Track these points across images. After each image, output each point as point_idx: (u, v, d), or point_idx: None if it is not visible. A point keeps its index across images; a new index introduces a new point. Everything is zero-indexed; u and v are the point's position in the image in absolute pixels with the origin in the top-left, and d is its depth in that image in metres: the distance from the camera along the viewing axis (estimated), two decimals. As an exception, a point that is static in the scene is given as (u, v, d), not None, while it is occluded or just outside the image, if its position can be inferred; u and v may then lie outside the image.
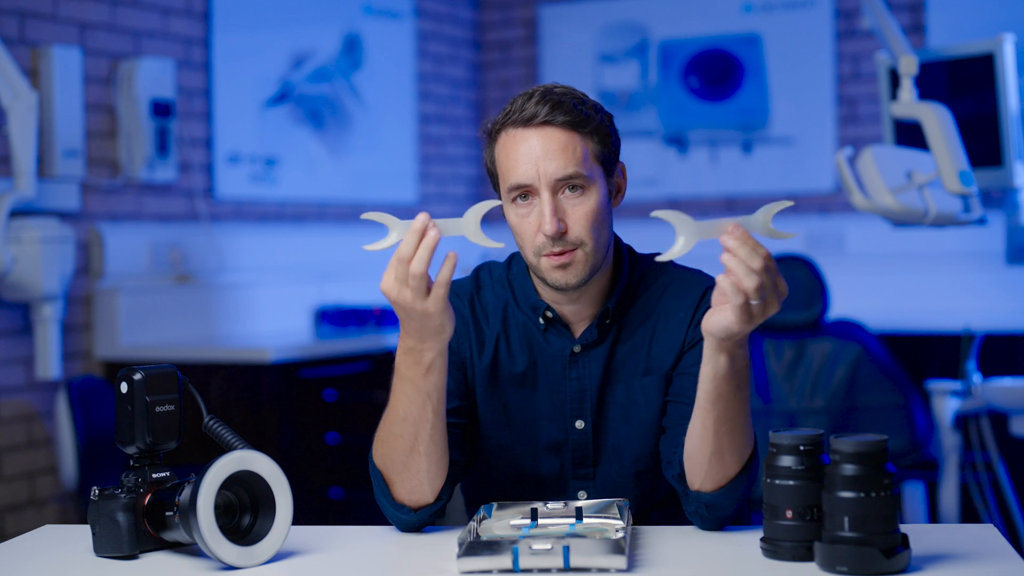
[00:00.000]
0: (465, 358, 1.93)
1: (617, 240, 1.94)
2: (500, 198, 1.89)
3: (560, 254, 1.81)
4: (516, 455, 1.93)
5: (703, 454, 1.74)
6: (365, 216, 1.72)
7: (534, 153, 1.81)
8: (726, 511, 1.77)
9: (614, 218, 1.88)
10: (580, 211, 1.82)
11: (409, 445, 1.77)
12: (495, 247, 1.73)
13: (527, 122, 1.81)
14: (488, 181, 1.93)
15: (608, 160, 1.87)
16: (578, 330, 1.93)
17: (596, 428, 1.92)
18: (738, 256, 1.59)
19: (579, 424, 1.92)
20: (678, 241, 1.65)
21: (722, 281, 1.59)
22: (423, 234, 1.66)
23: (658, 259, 1.69)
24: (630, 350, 1.91)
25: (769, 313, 1.61)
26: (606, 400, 1.92)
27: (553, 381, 1.93)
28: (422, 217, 1.67)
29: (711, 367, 1.68)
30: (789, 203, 1.66)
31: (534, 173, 1.80)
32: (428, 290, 1.66)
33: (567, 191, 1.82)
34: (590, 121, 1.84)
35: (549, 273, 1.84)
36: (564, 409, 1.92)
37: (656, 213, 1.67)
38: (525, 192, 1.83)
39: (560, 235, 1.80)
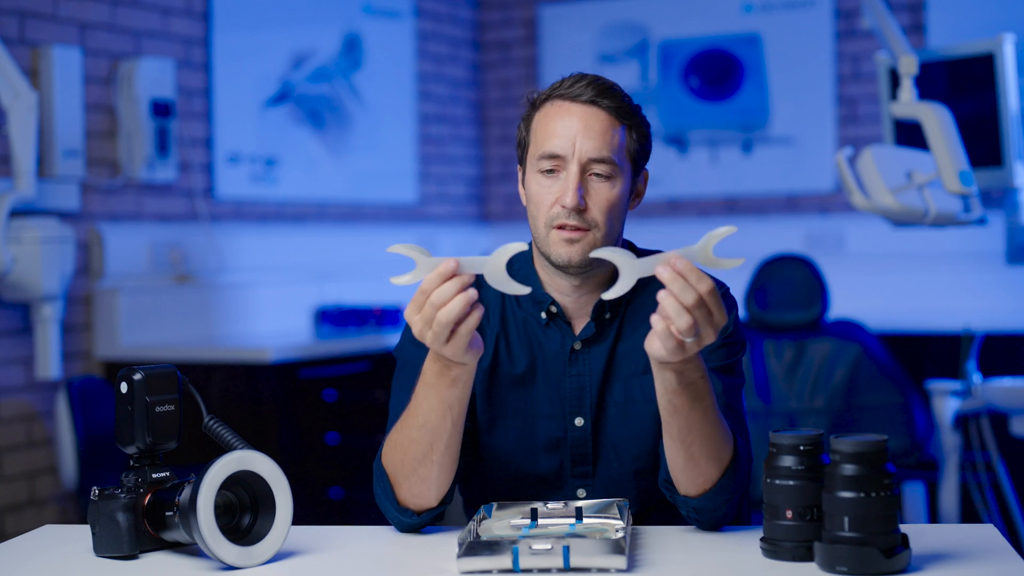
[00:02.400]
0: (466, 360, 1.93)
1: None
2: (522, 170, 1.91)
3: (573, 229, 1.82)
4: (515, 453, 1.93)
5: (677, 462, 1.75)
6: (392, 250, 1.65)
7: (574, 127, 1.83)
8: (716, 513, 1.77)
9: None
10: (603, 195, 1.83)
11: (423, 452, 1.77)
12: (521, 292, 1.67)
13: (574, 98, 1.85)
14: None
15: (639, 159, 1.89)
16: (579, 327, 1.93)
17: (595, 426, 1.92)
18: (671, 292, 1.57)
19: (578, 421, 1.92)
20: (620, 282, 1.64)
21: (655, 320, 1.59)
22: (448, 277, 1.62)
23: (603, 296, 1.67)
24: (630, 348, 1.91)
25: (705, 343, 1.60)
26: (606, 398, 1.92)
27: (553, 378, 1.92)
28: (451, 263, 1.62)
29: (660, 384, 1.68)
30: (732, 229, 1.62)
31: (569, 146, 1.82)
32: (451, 335, 1.64)
33: (594, 175, 1.83)
34: (634, 115, 1.87)
35: (556, 247, 1.84)
36: (564, 406, 1.92)
37: (598, 253, 1.66)
38: (553, 166, 1.84)
39: (579, 211, 1.81)
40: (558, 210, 1.82)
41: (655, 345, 1.61)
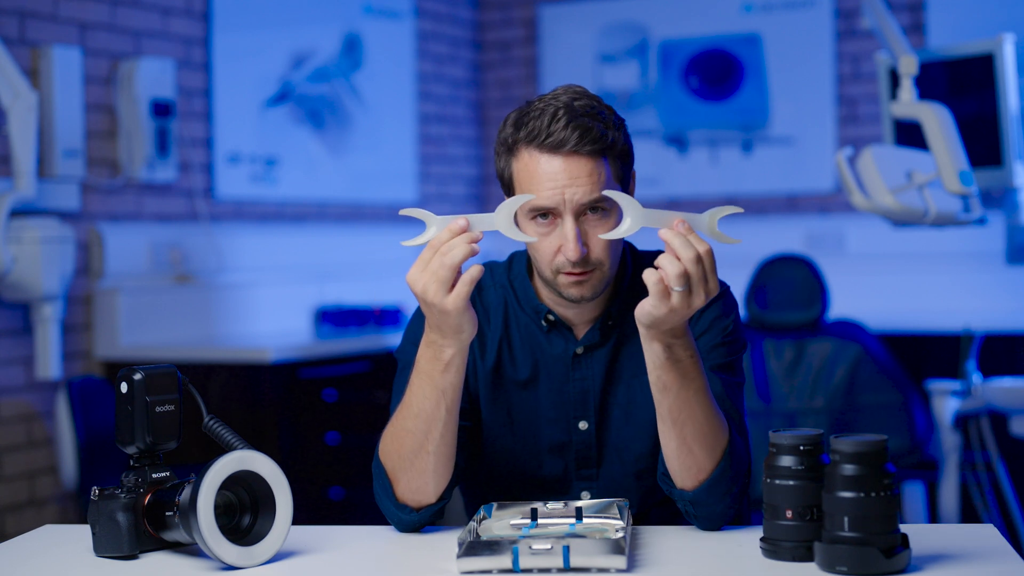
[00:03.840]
0: (468, 361, 1.93)
1: None
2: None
3: (580, 273, 1.81)
4: (520, 457, 1.93)
5: (670, 449, 1.75)
6: (404, 212, 1.72)
7: (560, 179, 1.78)
8: (713, 508, 1.77)
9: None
10: (601, 232, 1.80)
11: (419, 443, 1.77)
12: (528, 240, 1.77)
13: (554, 149, 1.78)
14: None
15: (626, 176, 1.87)
16: (580, 331, 1.93)
17: (599, 428, 1.92)
18: (671, 244, 1.63)
19: (583, 425, 1.92)
20: (624, 222, 1.71)
21: (647, 274, 1.64)
22: (458, 233, 1.67)
23: (601, 236, 1.75)
24: (632, 350, 1.91)
25: (694, 306, 1.64)
26: (608, 400, 1.92)
27: (556, 382, 1.93)
28: (461, 220, 1.68)
29: (648, 357, 1.71)
30: (738, 209, 1.70)
31: (559, 198, 1.78)
32: (452, 287, 1.67)
33: (589, 212, 1.80)
34: (615, 146, 1.82)
35: (565, 289, 1.83)
36: (567, 410, 1.92)
37: (607, 192, 1.74)
38: (547, 212, 1.81)
39: (583, 259, 1.80)
40: (562, 260, 1.81)
41: (643, 305, 1.65)
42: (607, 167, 1.81)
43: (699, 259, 1.63)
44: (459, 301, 1.67)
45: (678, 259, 1.62)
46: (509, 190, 1.87)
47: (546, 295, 1.92)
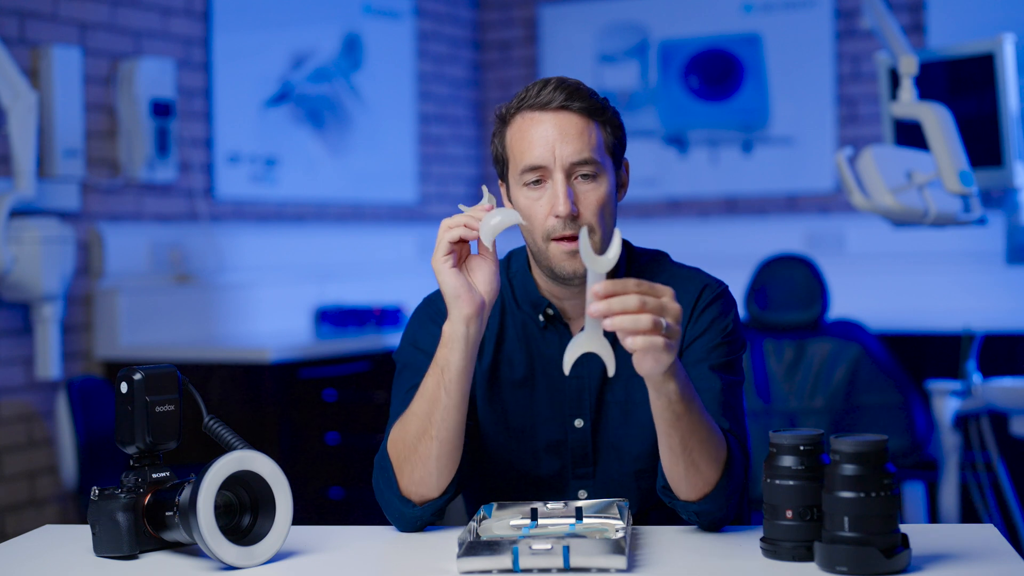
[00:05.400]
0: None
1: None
2: (505, 186, 1.91)
3: (571, 239, 1.81)
4: (516, 455, 1.93)
5: (678, 471, 1.74)
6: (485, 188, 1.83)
7: (550, 136, 1.82)
8: (717, 515, 1.77)
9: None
10: (592, 197, 1.83)
11: (423, 426, 1.77)
12: (520, 221, 1.80)
13: (544, 106, 1.83)
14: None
15: (617, 152, 1.89)
16: (577, 327, 1.92)
17: (595, 427, 1.92)
18: (615, 315, 1.55)
19: (578, 423, 1.92)
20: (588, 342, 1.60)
21: (628, 342, 1.56)
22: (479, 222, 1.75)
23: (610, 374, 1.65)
24: (631, 349, 1.91)
25: (675, 330, 1.57)
26: (605, 398, 1.92)
27: (552, 380, 1.92)
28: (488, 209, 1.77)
29: (663, 398, 1.65)
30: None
31: (550, 156, 1.81)
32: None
33: (579, 178, 1.83)
34: (605, 111, 1.86)
35: (557, 261, 1.84)
36: (563, 408, 1.92)
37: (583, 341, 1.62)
38: (538, 177, 1.83)
39: (572, 218, 1.81)
40: (553, 222, 1.82)
41: (646, 363, 1.59)
42: (598, 132, 1.85)
43: (639, 294, 1.55)
44: (435, 258, 1.75)
45: (634, 313, 1.54)
46: (504, 166, 1.90)
47: (545, 287, 1.92)
